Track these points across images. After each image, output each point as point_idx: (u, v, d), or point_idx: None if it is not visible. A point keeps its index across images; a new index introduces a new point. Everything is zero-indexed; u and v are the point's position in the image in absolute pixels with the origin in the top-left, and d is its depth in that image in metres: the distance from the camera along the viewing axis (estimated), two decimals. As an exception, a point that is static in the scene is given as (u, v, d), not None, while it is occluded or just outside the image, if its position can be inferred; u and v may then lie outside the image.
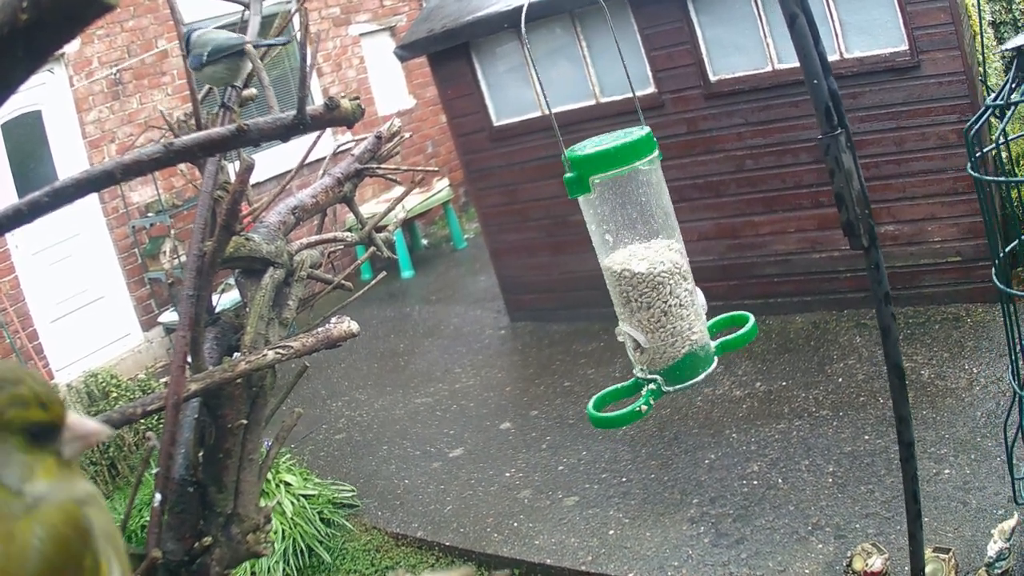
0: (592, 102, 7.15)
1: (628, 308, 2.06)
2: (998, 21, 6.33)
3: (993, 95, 2.50)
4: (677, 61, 6.75)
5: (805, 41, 2.15)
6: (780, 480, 4.94)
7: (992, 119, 3.32)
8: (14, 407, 0.84)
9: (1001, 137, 2.51)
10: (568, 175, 1.98)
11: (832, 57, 5.99)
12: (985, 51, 5.82)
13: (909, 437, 2.46)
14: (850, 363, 5.91)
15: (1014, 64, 2.45)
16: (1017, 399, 2.75)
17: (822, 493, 4.73)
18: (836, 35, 6.01)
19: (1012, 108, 2.43)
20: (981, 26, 3.58)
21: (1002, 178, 2.54)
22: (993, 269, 2.58)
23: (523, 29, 1.95)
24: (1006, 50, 2.43)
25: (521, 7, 1.94)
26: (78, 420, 0.91)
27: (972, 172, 2.51)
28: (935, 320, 6.09)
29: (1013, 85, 2.44)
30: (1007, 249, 2.64)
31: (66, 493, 0.87)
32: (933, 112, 5.87)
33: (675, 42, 6.70)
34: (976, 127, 2.51)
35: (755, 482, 5.00)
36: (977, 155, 2.52)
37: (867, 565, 3.88)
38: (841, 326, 6.45)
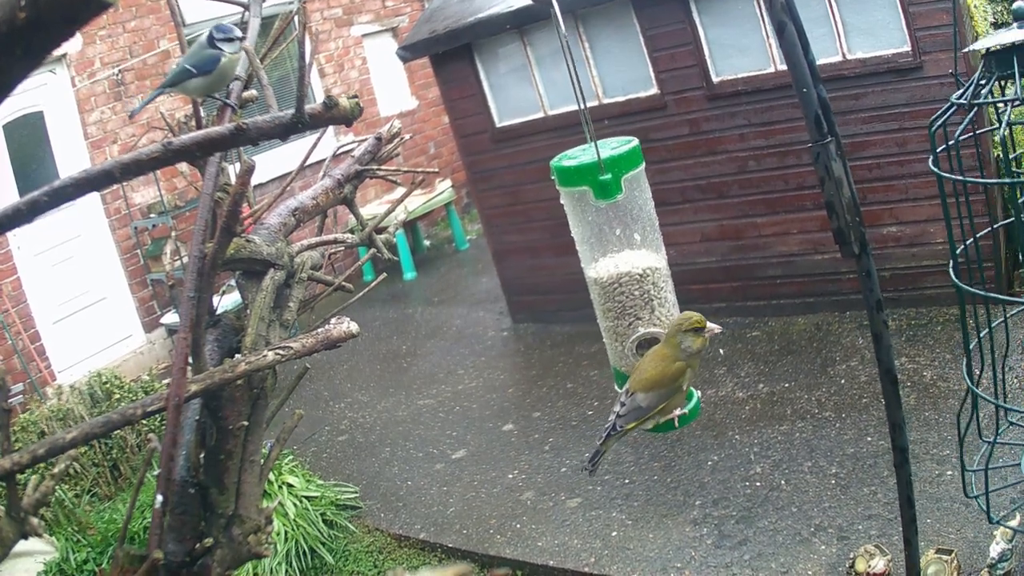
0: (594, 103, 7.15)
1: (649, 307, 2.15)
2: (1000, 22, 6.32)
3: (958, 92, 2.51)
4: (680, 62, 6.75)
5: (794, 50, 2.15)
6: (783, 482, 4.94)
7: (994, 119, 3.31)
8: (687, 322, 2.02)
9: (973, 132, 2.52)
10: (604, 177, 2.03)
11: (834, 58, 5.99)
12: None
13: (903, 443, 2.46)
14: (852, 365, 5.90)
15: (981, 63, 2.45)
16: (971, 395, 2.75)
17: (825, 495, 4.72)
18: (839, 36, 6.00)
19: (974, 108, 2.43)
20: (955, 30, 3.57)
21: (966, 177, 2.55)
22: (951, 264, 2.59)
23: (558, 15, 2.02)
24: (976, 49, 2.42)
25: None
26: (711, 324, 2.04)
27: (933, 168, 2.52)
28: (937, 322, 6.08)
29: (981, 84, 2.44)
30: (960, 248, 2.64)
31: (690, 359, 2.02)
32: (935, 113, 5.85)
33: (678, 43, 6.70)
34: (940, 123, 2.51)
35: (758, 484, 4.99)
36: (939, 150, 2.52)
37: (870, 566, 3.87)
38: (844, 328, 6.44)
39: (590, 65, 7.14)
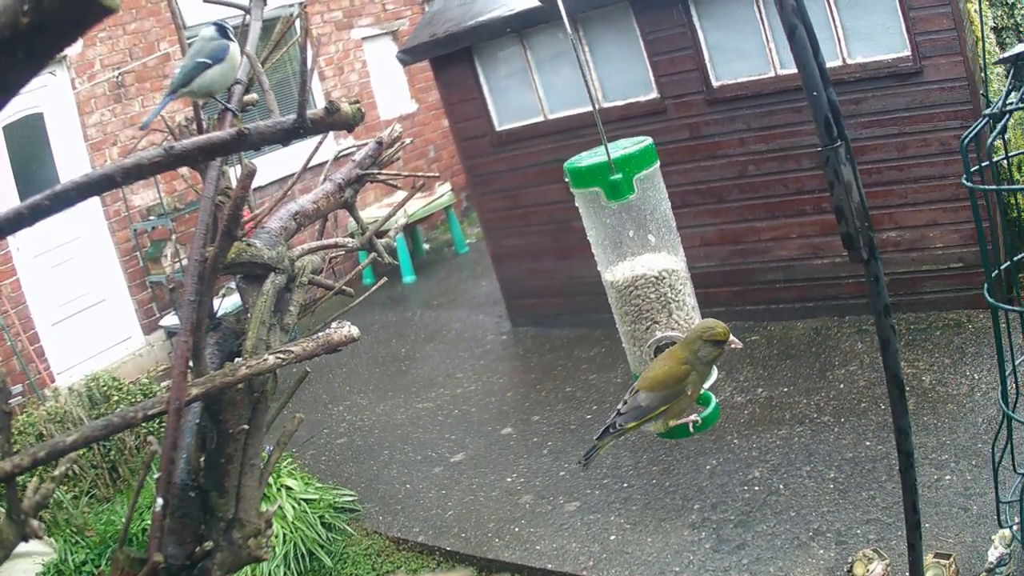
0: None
1: (666, 310, 2.10)
2: (1000, 26, 6.32)
3: (991, 106, 2.49)
4: (680, 66, 6.75)
5: (805, 52, 2.14)
6: (781, 486, 4.94)
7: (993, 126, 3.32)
8: (709, 331, 1.96)
9: (997, 148, 2.51)
10: (615, 177, 2.00)
11: (835, 63, 5.99)
12: (987, 57, 5.82)
13: (908, 448, 2.45)
14: (851, 369, 5.90)
15: (1010, 73, 2.44)
16: (1006, 420, 2.72)
17: (823, 499, 4.72)
18: (839, 41, 6.01)
19: (1007, 116, 2.42)
20: (983, 32, 3.57)
21: (997, 187, 2.53)
22: (986, 284, 2.56)
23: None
24: (1004, 59, 2.41)
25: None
26: (734, 338, 1.98)
27: (966, 183, 2.49)
28: (936, 326, 6.08)
29: (1009, 93, 2.43)
30: (1005, 264, 2.62)
31: (701, 367, 1.97)
32: (935, 118, 5.86)
33: (678, 47, 6.71)
34: (970, 136, 2.50)
35: (756, 488, 4.99)
36: (974, 168, 2.50)
37: (868, 571, 3.87)
38: (843, 332, 6.44)
39: (590, 69, 7.15)
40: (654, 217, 2.09)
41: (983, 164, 2.47)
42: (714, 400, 2.18)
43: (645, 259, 2.11)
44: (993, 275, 2.62)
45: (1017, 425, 2.70)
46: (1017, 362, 2.74)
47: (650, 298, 2.11)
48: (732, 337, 1.99)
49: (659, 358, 2.04)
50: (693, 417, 2.06)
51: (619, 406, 2.05)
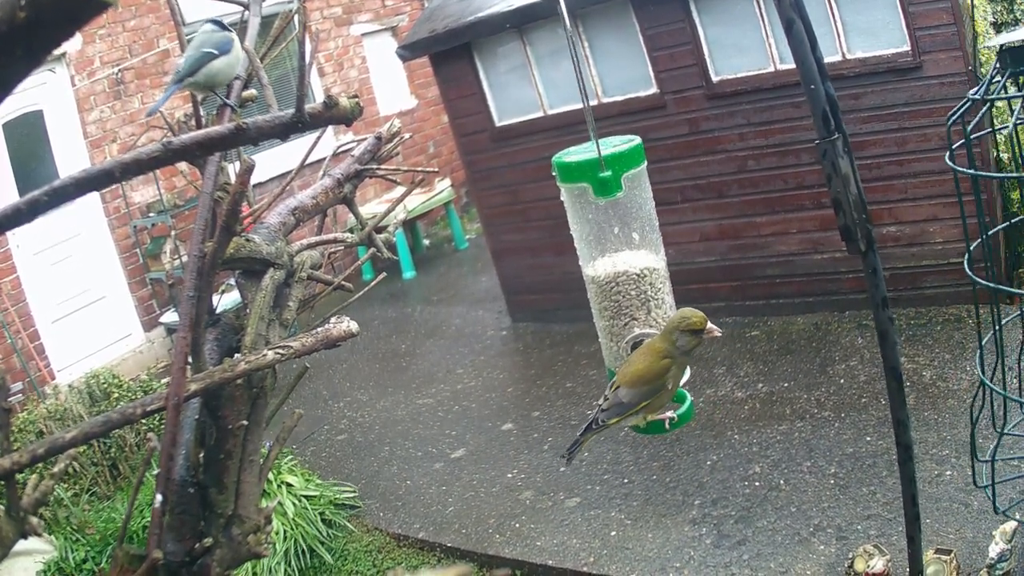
0: (594, 102, 7.14)
1: (645, 308, 2.11)
2: (999, 22, 6.31)
3: (974, 89, 2.51)
4: (679, 61, 6.75)
5: (802, 46, 2.14)
6: (782, 481, 4.94)
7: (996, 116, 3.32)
8: (685, 321, 1.93)
9: (980, 129, 2.52)
10: (604, 174, 2.00)
11: (834, 58, 5.99)
12: (986, 52, 5.82)
13: (907, 440, 2.45)
14: (852, 364, 5.90)
15: (996, 61, 2.45)
16: (983, 388, 2.75)
17: (824, 494, 4.72)
18: (838, 36, 6.00)
19: (989, 104, 2.43)
20: (973, 26, 3.56)
21: (983, 172, 2.55)
22: (966, 256, 2.58)
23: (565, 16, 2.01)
24: (989, 47, 2.42)
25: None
26: (712, 326, 1.97)
27: (950, 163, 2.51)
28: (937, 321, 6.08)
29: (995, 81, 2.44)
30: (979, 239, 2.64)
31: (681, 358, 1.96)
32: (935, 113, 5.86)
33: (677, 42, 6.70)
34: (954, 117, 2.51)
35: (757, 483, 4.99)
36: (954, 146, 2.52)
37: (869, 566, 3.87)
38: (843, 327, 6.44)
39: (590, 64, 7.14)
40: (639, 216, 2.10)
41: (956, 146, 2.48)
42: (689, 398, 2.19)
43: (627, 256, 2.11)
44: (972, 248, 2.63)
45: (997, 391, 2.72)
46: (992, 334, 2.75)
47: (630, 295, 2.11)
48: (710, 324, 1.98)
49: (638, 352, 2.04)
50: (670, 414, 2.08)
51: (599, 402, 2.06)
